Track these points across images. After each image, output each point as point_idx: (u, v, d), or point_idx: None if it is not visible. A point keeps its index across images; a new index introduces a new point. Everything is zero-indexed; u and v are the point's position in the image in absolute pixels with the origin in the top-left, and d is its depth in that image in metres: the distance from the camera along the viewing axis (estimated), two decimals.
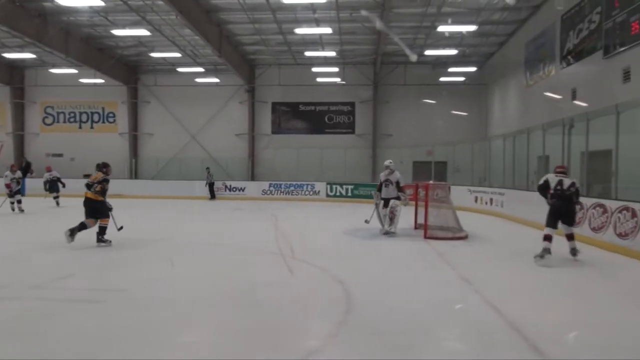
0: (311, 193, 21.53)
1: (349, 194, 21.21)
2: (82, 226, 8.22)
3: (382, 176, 10.19)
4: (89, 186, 8.35)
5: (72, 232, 8.10)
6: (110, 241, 8.29)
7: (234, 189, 22.27)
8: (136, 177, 24.52)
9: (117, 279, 5.96)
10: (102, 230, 8.26)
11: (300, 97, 24.38)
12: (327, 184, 21.48)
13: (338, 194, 21.25)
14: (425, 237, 9.52)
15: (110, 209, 8.34)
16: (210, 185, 21.84)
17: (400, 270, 6.71)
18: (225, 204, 19.03)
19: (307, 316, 4.58)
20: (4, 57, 22.65)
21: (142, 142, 25.46)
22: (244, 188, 22.26)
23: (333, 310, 4.70)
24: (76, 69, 23.07)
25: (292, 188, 21.77)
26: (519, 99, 18.96)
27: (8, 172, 14.62)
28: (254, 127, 24.67)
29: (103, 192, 8.27)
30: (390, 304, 4.95)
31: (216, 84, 24.29)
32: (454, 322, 4.52)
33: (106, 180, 8.32)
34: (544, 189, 7.37)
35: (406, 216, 11.68)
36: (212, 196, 21.73)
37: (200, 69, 23.52)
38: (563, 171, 7.46)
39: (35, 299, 5.03)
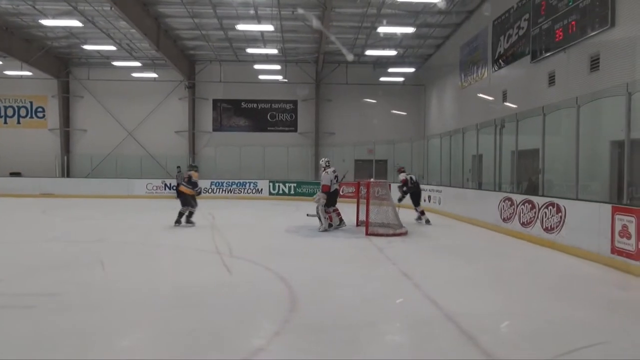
0: (254, 191, 21.38)
1: (292, 192, 21.22)
2: (180, 214, 10.96)
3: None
4: (192, 183, 11.14)
5: (179, 221, 10.79)
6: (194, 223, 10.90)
7: (174, 187, 21.54)
8: (68, 175, 23.47)
9: (48, 283, 5.70)
10: (190, 214, 10.95)
11: (242, 95, 24.19)
12: (270, 182, 21.39)
13: (281, 192, 21.21)
14: (367, 234, 9.67)
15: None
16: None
17: (342, 267, 6.77)
18: (164, 202, 18.62)
19: (250, 315, 4.53)
20: None
21: (74, 138, 24.38)
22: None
23: (276, 308, 4.69)
24: (0, 60, 21.68)
25: (234, 186, 21.56)
26: (454, 99, 19.71)
27: None
28: (195, 124, 24.25)
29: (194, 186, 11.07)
30: (333, 301, 4.99)
31: (154, 79, 23.73)
32: (395, 316, 4.63)
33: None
34: (404, 184, 11.78)
35: (348, 214, 11.85)
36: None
37: (137, 64, 22.82)
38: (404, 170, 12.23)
39: None
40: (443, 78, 21.01)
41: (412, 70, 23.35)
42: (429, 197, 15.00)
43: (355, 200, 11.69)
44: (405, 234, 9.74)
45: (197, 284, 5.60)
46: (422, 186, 12.87)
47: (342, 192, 16.86)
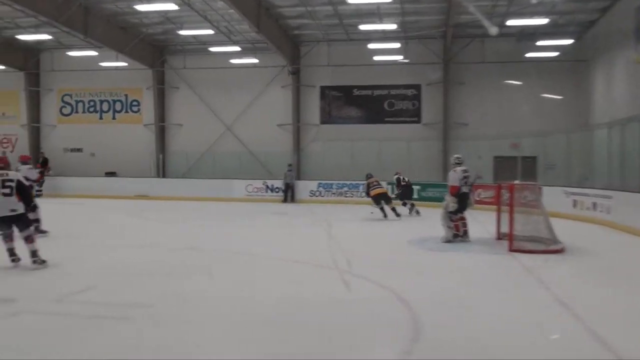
0: None
1: (415, 196, 20.87)
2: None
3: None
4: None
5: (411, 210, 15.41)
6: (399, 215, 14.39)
7: (277, 190, 22.48)
8: (164, 175, 25.21)
9: (143, 293, 6.17)
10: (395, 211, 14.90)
11: (354, 80, 24.32)
12: (388, 184, 21.23)
13: None
14: (511, 249, 9.37)
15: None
16: (287, 186, 22.08)
17: (477, 289, 6.59)
18: (267, 207, 19.23)
19: (365, 342, 4.54)
20: (18, 40, 23.64)
21: (170, 134, 26.11)
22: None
23: (395, 335, 4.66)
24: (96, 51, 23.88)
25: (345, 188, 21.82)
26: (628, 78, 18.13)
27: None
28: (300, 115, 24.83)
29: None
30: (465, 330, 4.86)
31: (254, 65, 24.57)
32: (548, 354, 4.38)
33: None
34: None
35: (486, 224, 11.46)
36: (288, 198, 21.92)
37: (236, 48, 23.85)
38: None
39: (54, 314, 5.28)
40: (611, 51, 19.40)
41: (569, 42, 21.90)
42: (594, 204, 14.03)
43: (495, 207, 11.32)
44: (562, 251, 9.29)
45: (305, 301, 5.77)
46: (584, 190, 12.91)
47: (478, 196, 16.63)
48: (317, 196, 21.96)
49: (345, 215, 16.19)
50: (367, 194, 15.83)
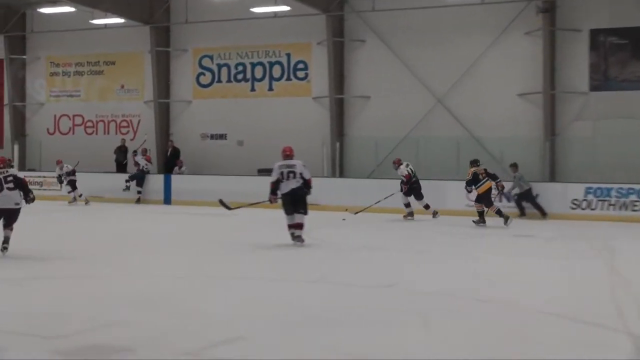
0: None
1: None
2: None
3: None
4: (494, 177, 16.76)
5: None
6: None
7: (515, 196, 20.09)
8: (341, 175, 23.10)
9: (311, 349, 6.15)
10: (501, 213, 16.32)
11: None
12: None
13: None
14: None
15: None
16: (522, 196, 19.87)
17: None
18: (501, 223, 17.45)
19: None
20: None
21: (351, 111, 23.85)
22: (537, 196, 19.74)
23: None
24: None
25: (633, 196, 18.98)
26: None
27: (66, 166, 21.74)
28: (555, 79, 21.61)
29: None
30: None
31: (482, 1, 21.85)
32: None
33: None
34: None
35: None
36: (541, 212, 19.85)
37: None
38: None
39: None
40: None
41: None
42: None
43: None
44: None
45: None
46: None
47: None
48: (584, 209, 19.48)
49: (636, 240, 15.45)
50: None
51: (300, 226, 12.37)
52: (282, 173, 12.71)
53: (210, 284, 9.53)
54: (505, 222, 16.17)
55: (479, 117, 22.09)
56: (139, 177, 22.65)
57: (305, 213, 12.51)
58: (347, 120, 23.75)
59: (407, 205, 17.88)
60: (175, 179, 23.00)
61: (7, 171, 10.98)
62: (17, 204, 10.75)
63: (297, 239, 12.37)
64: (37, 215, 15.44)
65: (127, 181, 22.25)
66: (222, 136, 25.04)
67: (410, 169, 17.79)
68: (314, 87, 23.92)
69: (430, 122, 22.49)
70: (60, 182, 21.72)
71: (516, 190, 19.44)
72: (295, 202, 12.32)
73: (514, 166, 19.77)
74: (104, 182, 23.80)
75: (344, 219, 16.70)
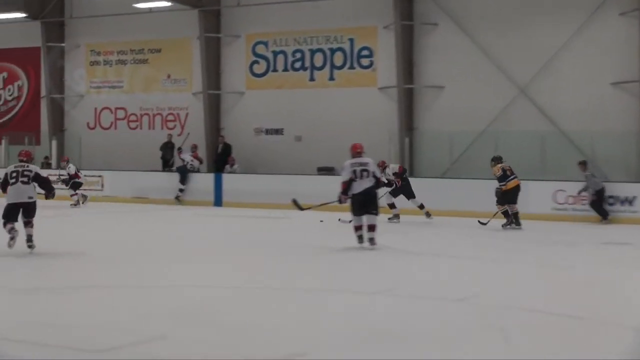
0: None
1: None
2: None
3: None
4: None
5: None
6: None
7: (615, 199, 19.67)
8: (411, 174, 22.18)
9: None
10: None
11: None
12: None
13: None
14: None
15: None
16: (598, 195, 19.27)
17: None
18: (589, 229, 17.71)
19: None
20: None
21: (422, 103, 23.36)
22: (634, 199, 19.29)
23: None
24: None
25: None
26: None
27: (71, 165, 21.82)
28: None
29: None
30: None
31: None
32: None
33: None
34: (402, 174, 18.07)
35: None
36: (602, 215, 19.38)
37: None
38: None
39: None
40: None
41: None
42: None
43: None
44: None
45: None
46: None
47: None
48: None
49: None
50: None
51: (373, 228, 12.41)
52: (354, 172, 12.63)
53: (266, 295, 9.31)
54: (504, 225, 16.50)
55: (566, 109, 21.58)
56: (182, 172, 22.42)
57: (377, 214, 12.65)
58: (417, 112, 23.35)
59: (392, 206, 17.90)
60: (226, 178, 22.71)
61: (27, 165, 11.73)
62: (31, 197, 11.33)
63: (371, 241, 12.37)
64: (78, 217, 16.33)
65: (180, 190, 22.29)
66: (277, 131, 24.74)
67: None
68: (380, 76, 23.54)
69: (511, 115, 22.10)
70: (66, 183, 21.39)
71: (590, 191, 18.87)
72: (367, 202, 12.45)
73: (583, 164, 19.24)
74: (149, 182, 23.68)
75: (339, 219, 15.96)
